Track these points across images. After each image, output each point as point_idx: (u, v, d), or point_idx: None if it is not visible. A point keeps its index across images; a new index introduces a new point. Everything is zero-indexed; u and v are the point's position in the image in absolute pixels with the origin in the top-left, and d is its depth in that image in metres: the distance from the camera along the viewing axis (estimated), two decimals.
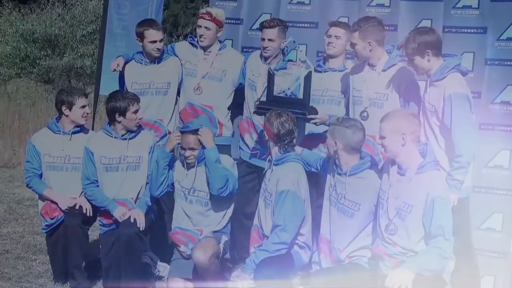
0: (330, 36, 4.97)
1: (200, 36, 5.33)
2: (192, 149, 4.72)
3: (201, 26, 5.32)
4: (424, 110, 4.40)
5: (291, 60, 5.12)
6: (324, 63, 5.08)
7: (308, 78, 4.80)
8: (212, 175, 4.67)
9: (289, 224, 4.36)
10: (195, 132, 4.72)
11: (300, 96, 4.86)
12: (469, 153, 4.19)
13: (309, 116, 4.79)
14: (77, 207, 4.95)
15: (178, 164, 4.91)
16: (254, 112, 5.10)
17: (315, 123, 4.85)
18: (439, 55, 4.35)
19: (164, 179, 4.85)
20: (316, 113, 4.80)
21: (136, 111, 4.92)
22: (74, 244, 4.89)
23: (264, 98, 5.09)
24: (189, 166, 4.81)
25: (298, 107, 4.72)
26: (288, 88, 5.01)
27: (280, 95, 4.98)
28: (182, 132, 4.78)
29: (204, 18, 5.30)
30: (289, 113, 4.57)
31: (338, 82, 4.98)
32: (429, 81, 4.37)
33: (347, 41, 4.92)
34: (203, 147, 4.73)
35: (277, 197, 4.41)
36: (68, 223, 4.91)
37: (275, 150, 4.59)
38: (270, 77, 4.95)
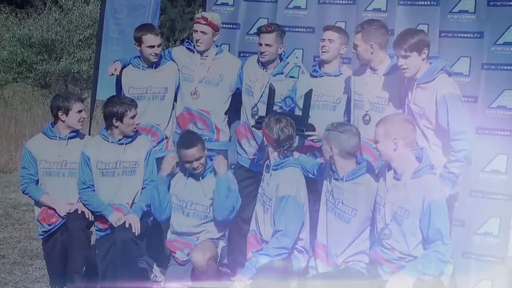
0: (324, 40, 4.94)
1: (197, 40, 5.33)
2: (198, 159, 4.70)
3: (197, 31, 5.32)
4: (411, 113, 4.37)
5: (293, 77, 5.14)
6: (319, 68, 5.05)
7: (308, 96, 4.79)
8: (221, 204, 4.69)
9: (290, 229, 4.36)
10: (193, 146, 4.68)
11: (299, 112, 4.86)
12: (467, 147, 4.17)
13: (306, 133, 4.76)
14: (79, 212, 4.93)
15: (175, 177, 4.88)
16: (253, 127, 5.08)
17: (312, 140, 4.84)
18: (428, 57, 4.35)
19: (167, 204, 4.83)
20: (314, 130, 4.77)
21: (133, 117, 4.92)
22: (77, 247, 4.86)
23: (262, 108, 5.06)
24: (198, 175, 4.79)
25: (297, 123, 4.67)
26: (289, 96, 5.05)
27: (279, 110, 4.99)
28: (180, 151, 4.73)
29: (200, 23, 5.31)
30: (288, 118, 4.56)
31: (333, 87, 4.96)
32: (416, 83, 4.34)
33: (341, 44, 4.92)
34: (215, 173, 4.74)
35: (278, 203, 4.40)
36: (72, 227, 4.88)
37: (274, 155, 4.57)
38: (271, 93, 4.93)
